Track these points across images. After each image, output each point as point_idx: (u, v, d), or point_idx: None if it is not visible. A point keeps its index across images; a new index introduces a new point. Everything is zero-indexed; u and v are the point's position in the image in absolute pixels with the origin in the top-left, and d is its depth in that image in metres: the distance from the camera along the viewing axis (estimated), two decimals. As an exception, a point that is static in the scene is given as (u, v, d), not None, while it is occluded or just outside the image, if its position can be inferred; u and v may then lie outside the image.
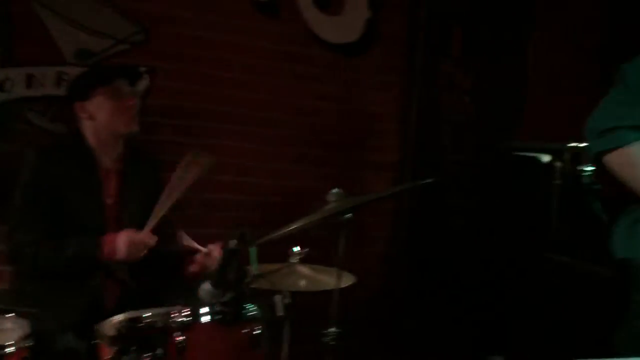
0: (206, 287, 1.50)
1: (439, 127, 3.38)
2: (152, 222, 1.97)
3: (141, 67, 2.71)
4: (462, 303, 3.16)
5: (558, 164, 2.92)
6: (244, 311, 1.59)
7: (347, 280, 1.97)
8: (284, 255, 2.06)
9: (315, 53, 3.12)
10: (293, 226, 1.75)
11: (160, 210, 1.96)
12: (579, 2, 3.54)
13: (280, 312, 1.73)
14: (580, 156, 2.84)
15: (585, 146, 1.57)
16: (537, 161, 2.99)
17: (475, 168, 3.37)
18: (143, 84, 2.75)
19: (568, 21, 3.53)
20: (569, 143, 2.89)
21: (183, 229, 2.79)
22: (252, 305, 1.57)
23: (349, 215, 1.79)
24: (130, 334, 1.49)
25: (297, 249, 2.02)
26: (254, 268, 1.59)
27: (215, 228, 2.87)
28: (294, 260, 2.00)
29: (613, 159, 1.49)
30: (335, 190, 1.84)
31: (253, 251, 1.58)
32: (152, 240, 1.96)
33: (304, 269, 2.01)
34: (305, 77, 3.12)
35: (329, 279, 1.92)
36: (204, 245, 2.07)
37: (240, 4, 2.94)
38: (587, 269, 2.61)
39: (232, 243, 1.50)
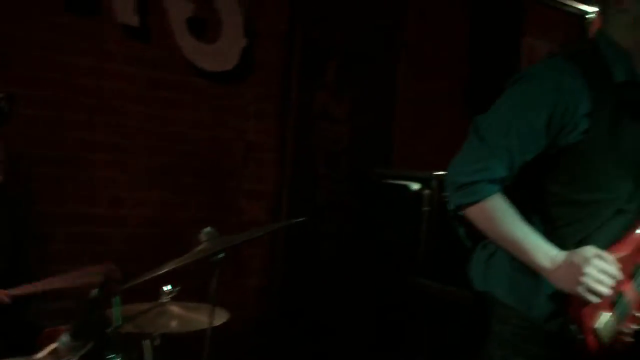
0: (64, 338, 1.40)
1: (315, 156, 3.44)
2: (20, 290, 1.86)
3: (-1, 93, 2.52)
4: (334, 331, 3.22)
5: (426, 191, 3.07)
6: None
7: (221, 317, 1.94)
8: (155, 293, 1.99)
9: (189, 80, 3.08)
10: (163, 269, 1.69)
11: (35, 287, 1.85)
12: (446, 35, 3.77)
13: (149, 358, 1.66)
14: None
15: (445, 197, 1.59)
16: (407, 189, 3.13)
17: (350, 196, 3.46)
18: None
19: (435, 53, 3.75)
20: (436, 171, 3.06)
21: (46, 264, 2.64)
22: (115, 356, 1.49)
23: (222, 255, 1.77)
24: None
25: (168, 287, 1.96)
26: (116, 318, 1.51)
27: (82, 264, 2.71)
28: (165, 299, 1.94)
29: (471, 213, 1.51)
30: (207, 230, 1.81)
31: (117, 300, 1.50)
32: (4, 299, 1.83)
33: (176, 308, 1.95)
34: (180, 105, 3.06)
35: (202, 318, 1.88)
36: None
37: (111, 30, 2.84)
38: (452, 294, 2.75)
39: (93, 293, 1.42)
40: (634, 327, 1.53)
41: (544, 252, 1.47)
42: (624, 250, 1.52)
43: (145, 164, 2.98)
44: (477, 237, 1.71)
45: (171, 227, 3.03)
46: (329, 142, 3.46)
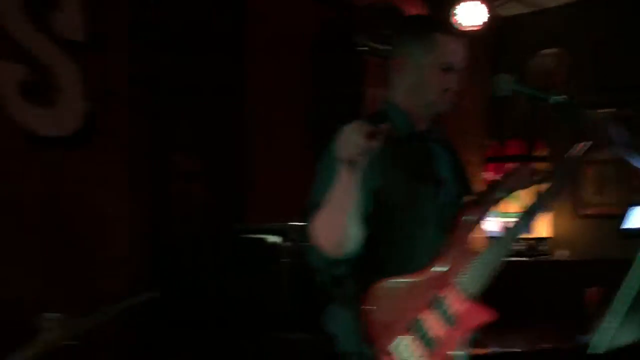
0: None
1: (171, 216, 3.36)
2: None
3: None
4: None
5: (285, 243, 3.09)
6: None
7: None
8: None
9: (27, 149, 2.90)
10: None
11: None
12: (290, 87, 3.85)
13: None
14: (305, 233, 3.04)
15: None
16: (264, 242, 3.13)
17: (210, 254, 3.40)
18: None
19: (281, 105, 3.81)
20: (292, 222, 3.08)
21: None
22: None
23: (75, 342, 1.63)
24: None
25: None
26: None
27: None
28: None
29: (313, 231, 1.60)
30: (50, 315, 1.65)
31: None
32: None
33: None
34: (19, 177, 2.86)
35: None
36: None
37: None
38: (318, 343, 2.75)
39: None
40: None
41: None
42: (420, 276, 1.69)
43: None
44: (337, 283, 1.77)
45: (15, 311, 2.76)
46: (185, 201, 3.39)
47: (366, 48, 3.80)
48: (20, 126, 2.85)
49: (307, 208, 1.64)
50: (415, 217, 1.73)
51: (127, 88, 3.21)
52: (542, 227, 4.11)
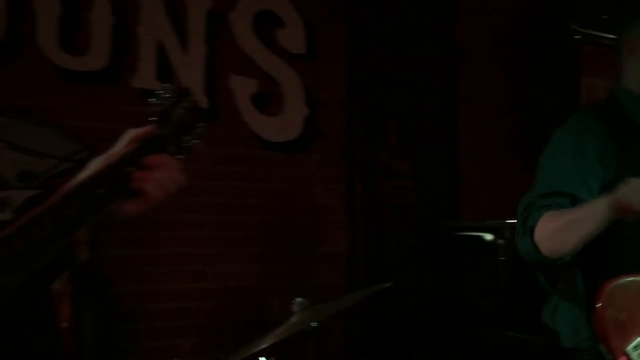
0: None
1: (383, 214, 3.49)
2: None
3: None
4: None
5: (500, 241, 3.06)
6: None
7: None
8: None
9: (258, 153, 3.21)
10: (263, 343, 1.75)
11: None
12: (500, 86, 3.82)
13: None
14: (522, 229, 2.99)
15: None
16: (481, 240, 3.12)
17: (421, 251, 3.47)
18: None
19: (490, 105, 3.79)
20: (507, 219, 3.05)
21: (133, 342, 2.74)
22: None
23: (315, 324, 1.82)
24: None
25: (262, 359, 2.01)
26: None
27: (163, 340, 2.82)
28: (263, 371, 1.99)
29: (537, 234, 1.58)
30: (299, 300, 1.87)
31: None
32: None
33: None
34: (251, 177, 3.18)
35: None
36: None
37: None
38: (536, 344, 2.69)
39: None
40: None
41: (595, 206, 1.52)
42: None
43: (224, 237, 3.08)
44: (556, 281, 1.75)
45: (251, 296, 3.10)
46: (395, 199, 3.51)
47: (579, 36, 3.61)
48: (254, 133, 3.16)
49: (530, 199, 1.62)
50: None
51: (343, 93, 3.41)
52: None
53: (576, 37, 3.61)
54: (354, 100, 3.42)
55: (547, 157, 1.68)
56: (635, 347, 1.54)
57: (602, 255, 1.62)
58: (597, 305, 1.56)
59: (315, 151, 3.35)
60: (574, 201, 1.59)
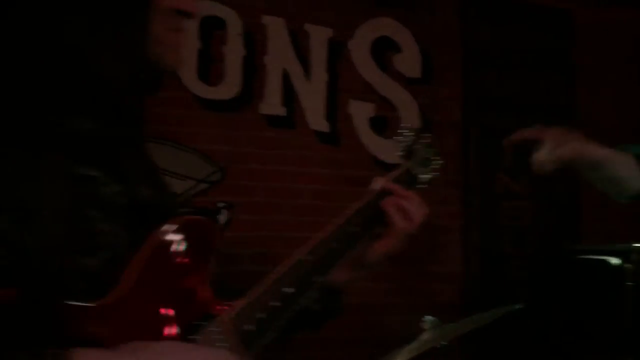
0: None
1: (501, 235, 3.47)
2: None
3: (219, 203, 2.92)
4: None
5: (628, 265, 2.96)
6: None
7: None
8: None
9: (375, 174, 3.29)
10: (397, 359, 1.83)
11: None
12: (619, 104, 3.70)
13: None
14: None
15: None
16: (606, 264, 3.03)
17: (539, 273, 3.42)
18: (222, 218, 2.94)
19: (610, 126, 3.67)
20: (634, 243, 2.94)
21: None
22: None
23: (444, 342, 1.87)
24: None
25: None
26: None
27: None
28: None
29: None
30: (429, 318, 1.93)
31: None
32: None
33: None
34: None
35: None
36: None
37: (306, 137, 3.18)
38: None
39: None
40: None
41: None
42: None
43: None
44: None
45: (368, 313, 3.18)
46: (513, 221, 3.48)
47: None
48: (372, 156, 3.27)
49: None
50: None
51: (459, 115, 3.45)
52: None
53: None
54: (470, 122, 3.45)
55: None
56: None
57: None
58: None
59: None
60: None
